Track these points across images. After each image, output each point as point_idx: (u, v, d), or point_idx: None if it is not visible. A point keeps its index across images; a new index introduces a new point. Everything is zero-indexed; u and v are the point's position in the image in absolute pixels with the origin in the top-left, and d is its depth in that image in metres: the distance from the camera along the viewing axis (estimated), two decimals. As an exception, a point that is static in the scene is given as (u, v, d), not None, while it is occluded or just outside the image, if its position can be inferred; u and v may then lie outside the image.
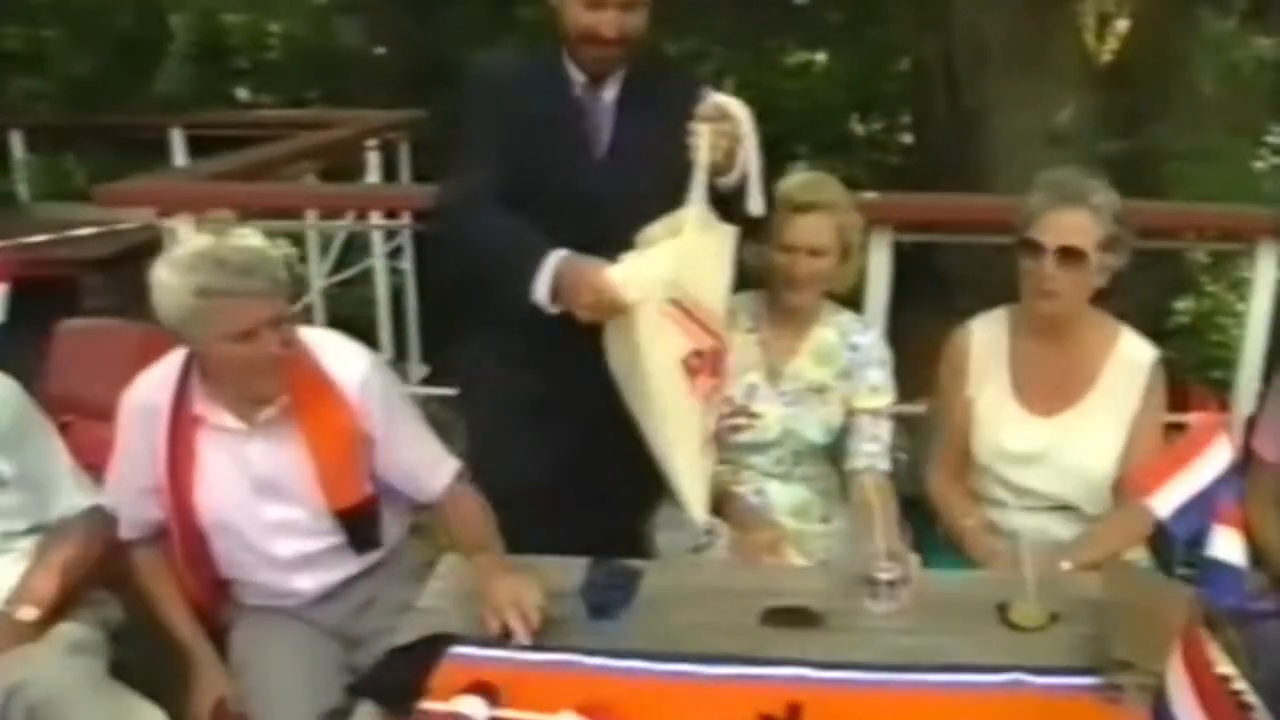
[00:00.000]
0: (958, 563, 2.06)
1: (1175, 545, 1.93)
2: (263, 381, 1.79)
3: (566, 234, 1.86)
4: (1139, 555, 2.07)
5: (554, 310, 1.83)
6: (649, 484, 2.02)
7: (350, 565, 1.95)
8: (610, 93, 2.04)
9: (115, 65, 5.86)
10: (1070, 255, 1.92)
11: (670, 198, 1.84)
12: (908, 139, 6.45)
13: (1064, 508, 2.09)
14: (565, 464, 2.00)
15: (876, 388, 2.17)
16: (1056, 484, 2.06)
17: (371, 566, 1.98)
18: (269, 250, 1.79)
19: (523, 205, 1.91)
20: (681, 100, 1.85)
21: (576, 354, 1.85)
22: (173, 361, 1.86)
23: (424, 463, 1.95)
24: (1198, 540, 1.50)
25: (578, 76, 2.02)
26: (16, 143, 5.93)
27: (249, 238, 1.79)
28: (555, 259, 1.83)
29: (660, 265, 1.78)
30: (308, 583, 1.92)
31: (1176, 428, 2.62)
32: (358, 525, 1.90)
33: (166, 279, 1.72)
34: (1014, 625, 1.66)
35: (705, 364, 1.83)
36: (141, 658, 1.96)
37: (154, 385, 1.87)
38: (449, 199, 2.09)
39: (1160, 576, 1.96)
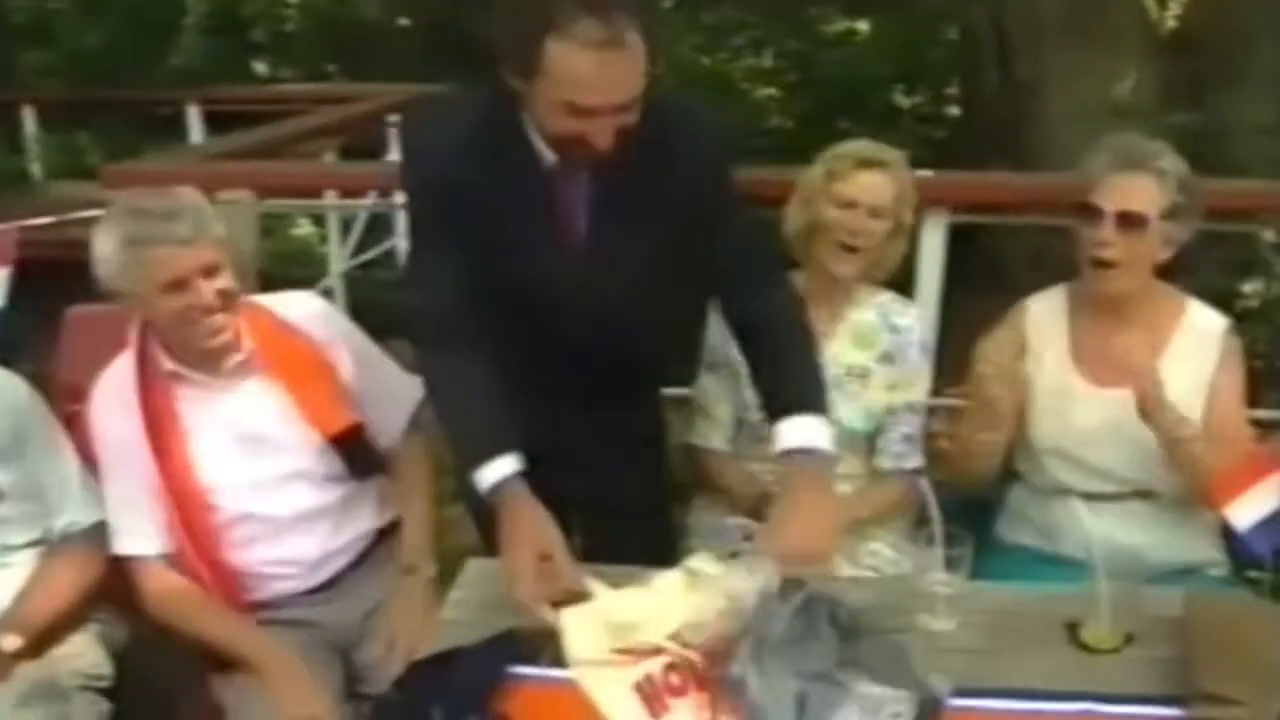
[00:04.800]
0: (1021, 572, 1.94)
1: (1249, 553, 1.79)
2: (208, 334, 1.76)
3: (538, 333, 1.68)
4: (1218, 564, 1.94)
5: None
6: (662, 493, 2.03)
7: (346, 528, 1.92)
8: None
9: (127, 38, 5.72)
10: (1130, 221, 1.82)
11: (661, 290, 1.67)
12: (954, 112, 6.19)
13: (1138, 495, 1.93)
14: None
15: (914, 379, 2.09)
16: (1130, 462, 1.91)
17: (370, 554, 1.96)
18: (197, 200, 1.77)
19: (489, 300, 1.64)
20: (678, 163, 1.58)
21: (566, 403, 1.72)
22: (130, 341, 1.82)
23: (384, 398, 1.96)
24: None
25: (548, 153, 1.60)
26: (28, 119, 5.81)
27: (179, 192, 1.77)
28: (505, 486, 1.57)
29: (607, 615, 1.50)
30: (308, 545, 1.88)
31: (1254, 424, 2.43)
32: (354, 450, 1.88)
33: (96, 240, 1.71)
34: (1085, 646, 1.53)
35: (666, 684, 1.43)
36: (149, 675, 1.86)
37: (114, 369, 1.83)
38: (413, 311, 1.72)
39: (1250, 600, 1.80)
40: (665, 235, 1.65)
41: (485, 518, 2.00)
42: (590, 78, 1.44)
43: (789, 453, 1.62)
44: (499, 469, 1.58)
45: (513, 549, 1.54)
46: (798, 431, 1.62)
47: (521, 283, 1.65)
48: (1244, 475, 1.46)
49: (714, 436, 2.11)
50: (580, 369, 1.75)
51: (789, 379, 1.68)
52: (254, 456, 1.83)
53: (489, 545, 1.98)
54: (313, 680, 1.76)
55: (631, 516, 1.88)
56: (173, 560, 1.83)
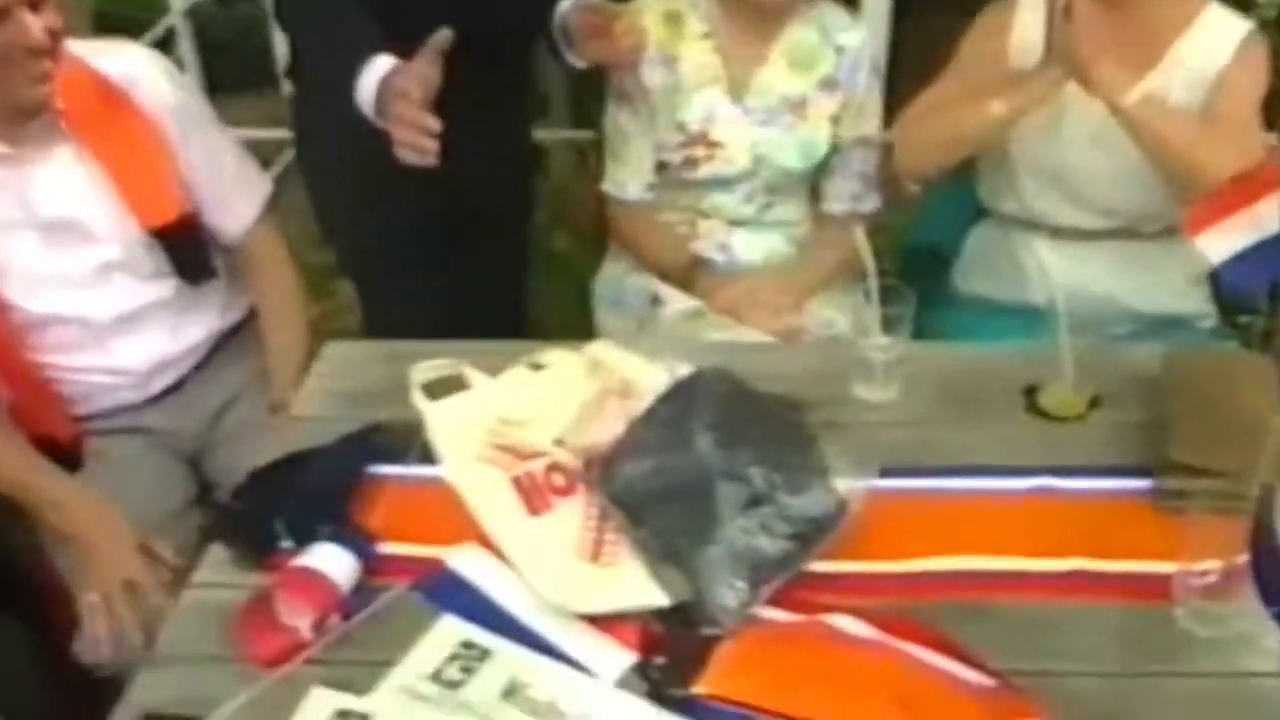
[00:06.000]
0: (981, 328, 1.74)
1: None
2: (30, 80, 1.46)
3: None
4: (1206, 312, 1.75)
5: (380, 122, 1.49)
6: (521, 247, 2.02)
7: (185, 331, 1.67)
8: None
9: None
10: None
11: None
12: None
13: (1124, 232, 1.72)
14: (427, 224, 1.75)
15: (864, 108, 1.83)
16: (1119, 188, 1.67)
17: (217, 352, 1.71)
18: None
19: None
20: None
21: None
22: None
23: (227, 188, 1.69)
24: (1253, 294, 1.36)
25: None
26: None
27: None
28: (381, 69, 1.47)
29: (486, 408, 1.35)
30: (136, 351, 1.63)
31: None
32: (181, 247, 1.63)
33: None
34: (1045, 413, 1.37)
35: (548, 483, 1.28)
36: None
37: None
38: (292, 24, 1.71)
39: (1237, 354, 1.66)
40: None
41: (362, 271, 1.91)
42: None
43: None
44: (380, 66, 1.46)
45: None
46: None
47: None
48: (1224, 199, 1.27)
49: (630, 184, 1.83)
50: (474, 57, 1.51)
51: None
52: (61, 246, 1.55)
53: (369, 321, 1.90)
54: (126, 531, 1.43)
55: (496, 211, 1.86)
56: None
